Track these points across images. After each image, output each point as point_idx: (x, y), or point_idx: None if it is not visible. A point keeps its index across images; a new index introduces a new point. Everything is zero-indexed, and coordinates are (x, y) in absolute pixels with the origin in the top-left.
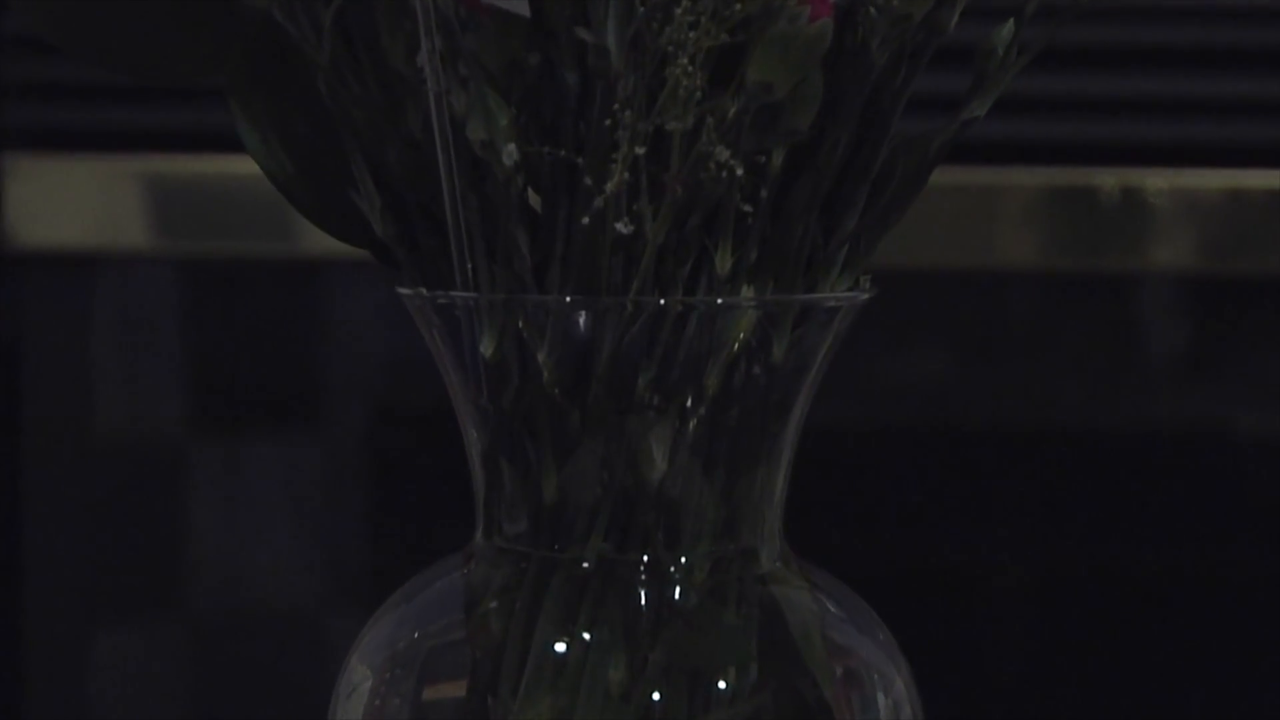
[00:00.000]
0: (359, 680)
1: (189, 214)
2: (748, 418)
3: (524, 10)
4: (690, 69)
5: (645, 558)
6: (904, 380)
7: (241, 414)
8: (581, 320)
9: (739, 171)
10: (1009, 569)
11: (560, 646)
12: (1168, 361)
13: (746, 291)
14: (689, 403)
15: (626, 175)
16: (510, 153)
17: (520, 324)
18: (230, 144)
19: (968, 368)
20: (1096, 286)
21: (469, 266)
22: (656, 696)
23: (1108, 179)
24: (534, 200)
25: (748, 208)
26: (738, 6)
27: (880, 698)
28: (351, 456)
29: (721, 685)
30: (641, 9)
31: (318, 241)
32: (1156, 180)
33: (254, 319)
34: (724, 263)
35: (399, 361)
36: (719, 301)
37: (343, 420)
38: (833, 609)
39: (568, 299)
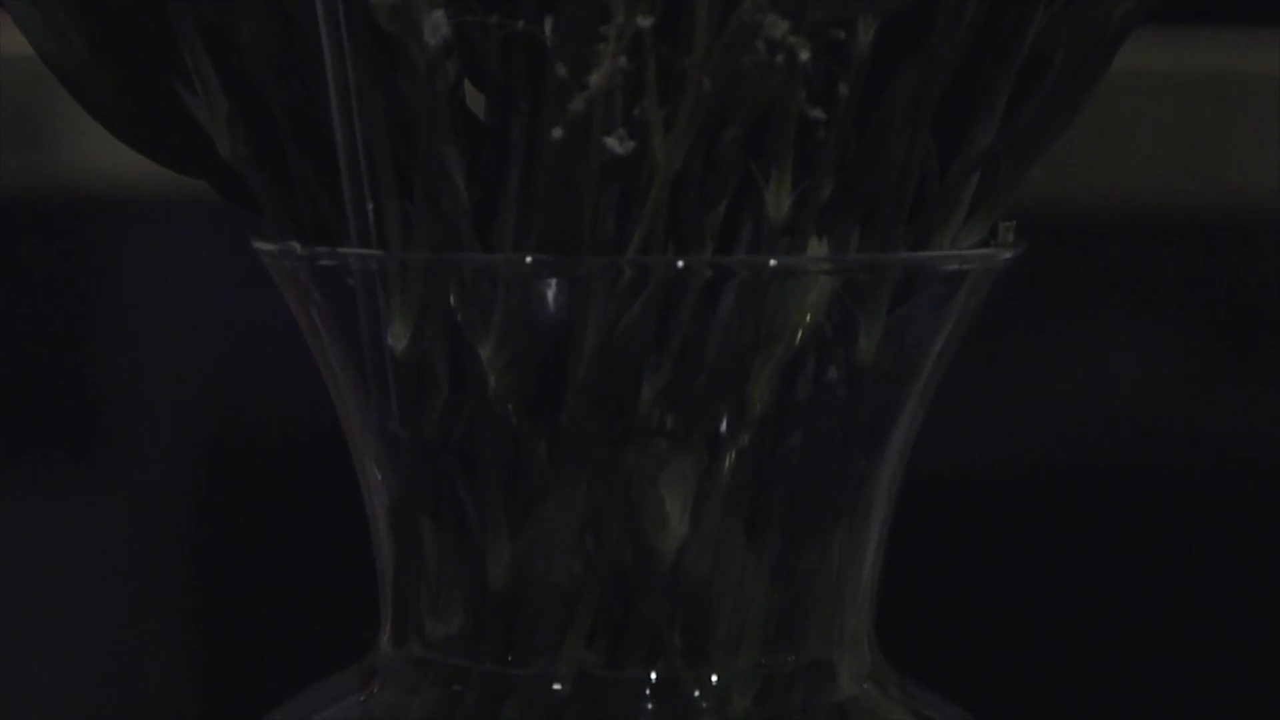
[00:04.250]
0: None
1: None
2: (818, 452)
3: None
4: None
5: (653, 675)
6: (1079, 393)
7: None
8: (550, 294)
9: (804, 55)
10: (1252, 696)
11: None
12: None
13: (816, 247)
14: (723, 427)
15: (623, 61)
16: (437, 24)
17: (452, 300)
18: None
19: (1192, 372)
20: None
21: (370, 208)
22: None
23: None
24: (475, 103)
25: (818, 113)
26: None
27: None
28: (169, 514)
29: None
30: None
31: (114, 164)
32: None
33: (2, 288)
34: (780, 201)
35: (252, 359)
36: (771, 263)
37: (153, 455)
38: None
39: (528, 260)
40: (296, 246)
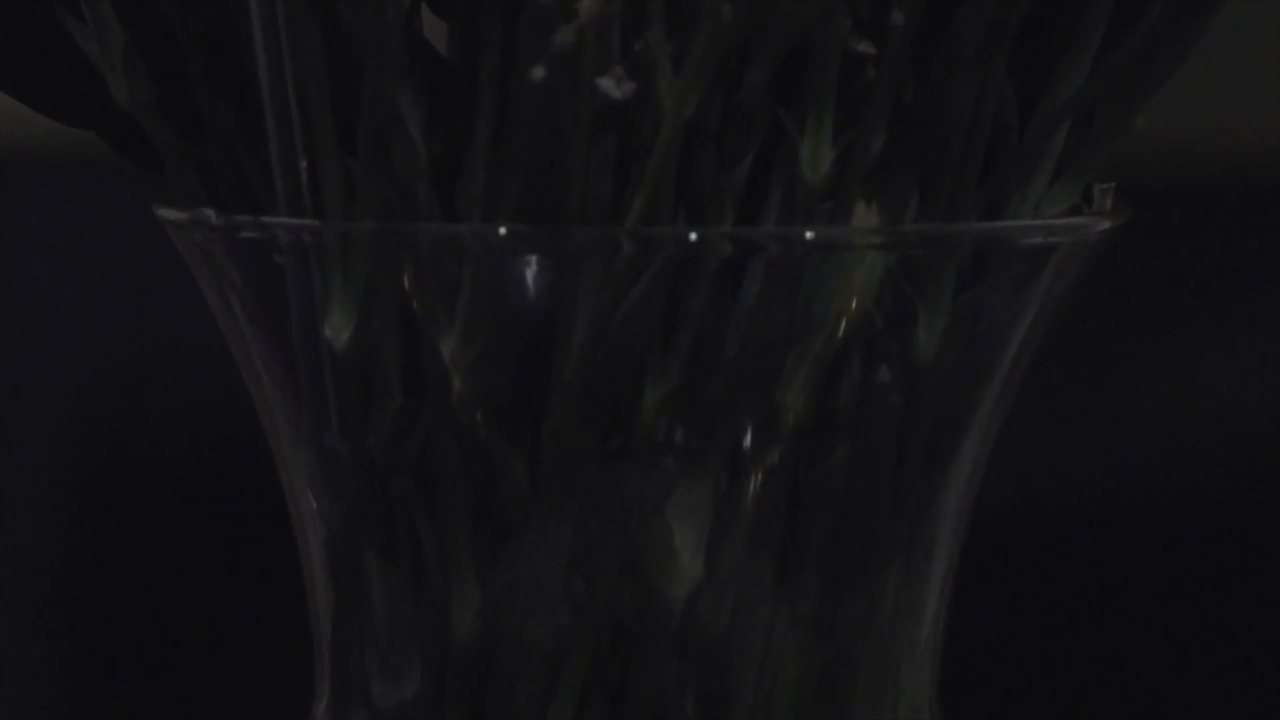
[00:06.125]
0: None
1: None
2: (865, 474)
3: None
4: None
5: None
6: (1198, 401)
7: None
8: (529, 274)
9: None
10: None
11: None
12: None
13: (863, 215)
14: (747, 441)
15: None
16: None
17: (406, 282)
18: None
19: None
20: None
21: (303, 165)
22: None
23: None
24: (435, 34)
25: (865, 47)
26: None
27: None
28: (44, 539)
29: None
30: None
31: None
32: None
33: None
34: (818, 159)
35: (152, 353)
36: (808, 236)
37: (26, 467)
38: None
39: (502, 231)
40: (210, 215)
